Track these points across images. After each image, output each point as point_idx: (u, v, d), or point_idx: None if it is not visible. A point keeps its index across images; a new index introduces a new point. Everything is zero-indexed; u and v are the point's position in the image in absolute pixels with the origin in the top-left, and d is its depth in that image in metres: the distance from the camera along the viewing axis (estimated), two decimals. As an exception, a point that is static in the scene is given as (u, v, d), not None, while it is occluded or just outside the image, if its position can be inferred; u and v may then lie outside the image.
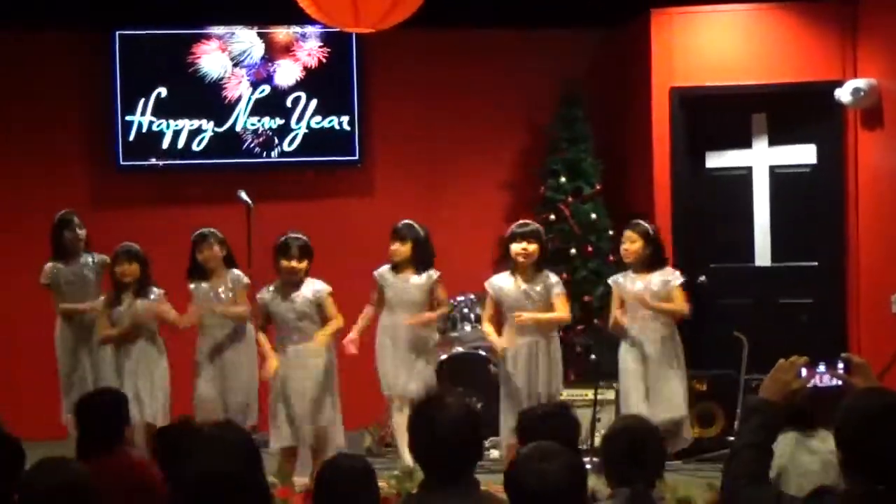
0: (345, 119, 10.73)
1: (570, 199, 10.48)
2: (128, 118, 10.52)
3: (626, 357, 8.39)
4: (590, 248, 10.42)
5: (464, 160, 11.01)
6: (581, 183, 10.56)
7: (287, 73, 10.68)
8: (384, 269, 8.47)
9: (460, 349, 9.58)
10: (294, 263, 8.07)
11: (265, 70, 10.67)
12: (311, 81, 10.67)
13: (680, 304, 8.33)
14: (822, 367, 3.62)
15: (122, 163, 10.57)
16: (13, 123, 10.57)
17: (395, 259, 8.43)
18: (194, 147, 10.62)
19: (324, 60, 10.69)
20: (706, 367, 9.47)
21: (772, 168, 10.24)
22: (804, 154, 10.19)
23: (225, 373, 8.42)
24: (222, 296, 8.47)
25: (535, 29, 10.84)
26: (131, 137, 10.53)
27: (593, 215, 10.46)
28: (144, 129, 10.54)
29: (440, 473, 3.74)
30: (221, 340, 8.44)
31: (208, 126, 10.63)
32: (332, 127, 10.73)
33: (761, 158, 10.27)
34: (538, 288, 8.24)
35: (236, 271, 8.53)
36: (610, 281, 8.59)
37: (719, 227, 10.32)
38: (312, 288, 8.15)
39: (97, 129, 10.62)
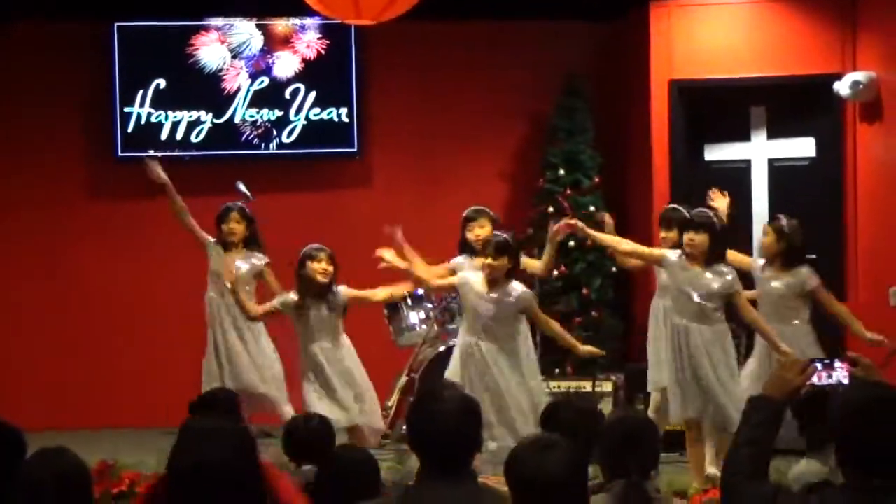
0: (343, 111, 10.73)
1: (568, 191, 10.48)
2: (126, 109, 10.52)
3: None
4: (588, 241, 10.41)
5: (463, 152, 11.01)
6: (580, 175, 10.56)
7: (286, 64, 10.68)
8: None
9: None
10: (490, 261, 7.65)
11: (264, 62, 10.67)
12: (310, 73, 10.67)
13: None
14: (819, 365, 3.61)
15: (120, 154, 10.56)
16: (12, 114, 10.56)
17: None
18: (193, 138, 10.63)
19: (322, 52, 10.68)
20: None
21: (771, 161, 10.25)
22: (803, 147, 10.20)
23: None
24: None
25: (535, 21, 10.84)
26: (130, 128, 10.53)
27: (592, 207, 10.46)
28: (143, 121, 10.55)
29: (438, 465, 3.74)
30: None
31: (207, 117, 10.63)
32: (331, 119, 10.73)
33: (760, 151, 10.27)
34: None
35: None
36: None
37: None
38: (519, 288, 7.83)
39: (96, 120, 10.62)
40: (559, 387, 9.18)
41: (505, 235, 7.79)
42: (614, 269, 10.21)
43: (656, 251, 8.12)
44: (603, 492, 4.15)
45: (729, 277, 7.79)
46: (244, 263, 8.68)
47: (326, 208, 10.66)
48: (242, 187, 9.39)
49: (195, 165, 10.62)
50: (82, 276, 10.58)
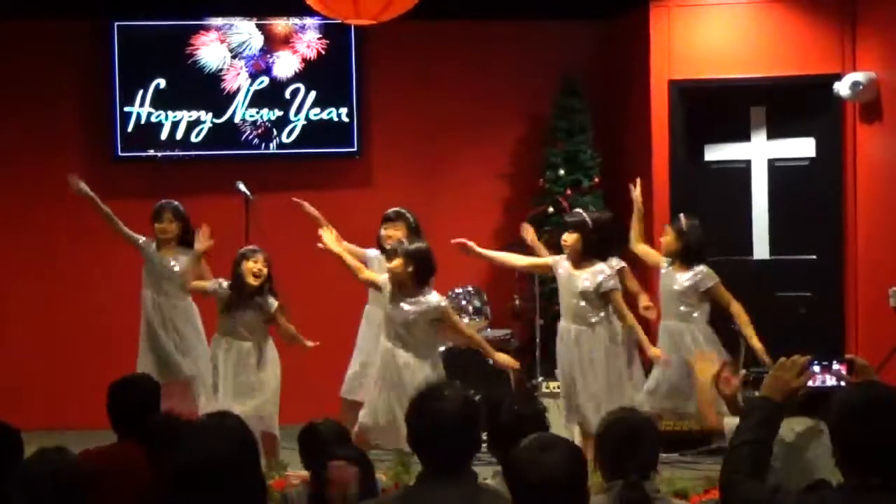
0: (343, 111, 10.73)
1: (568, 191, 10.48)
2: (126, 109, 10.52)
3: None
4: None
5: (462, 152, 11.01)
6: (580, 175, 10.57)
7: (286, 64, 10.67)
8: None
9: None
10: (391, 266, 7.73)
11: (264, 61, 10.67)
12: (310, 73, 10.67)
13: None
14: (816, 368, 3.62)
15: (119, 154, 10.56)
16: (11, 113, 10.56)
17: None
18: (193, 138, 10.62)
19: (322, 52, 10.68)
20: (704, 359, 9.47)
21: (770, 161, 10.25)
22: (803, 147, 10.20)
23: None
24: None
25: (534, 21, 10.84)
26: (130, 128, 10.53)
27: (592, 208, 10.45)
28: (143, 121, 10.55)
29: (438, 465, 3.74)
30: None
31: (207, 117, 10.63)
32: (331, 118, 10.73)
33: (760, 151, 10.27)
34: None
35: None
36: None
37: (718, 220, 10.31)
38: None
39: (95, 119, 10.61)
40: (559, 388, 9.17)
41: (417, 245, 7.69)
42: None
43: (547, 259, 8.23)
44: (602, 492, 4.15)
45: (600, 278, 7.91)
46: (179, 261, 8.68)
47: (326, 208, 10.61)
48: (242, 187, 9.38)
49: (195, 165, 10.63)
50: (81, 275, 10.57)
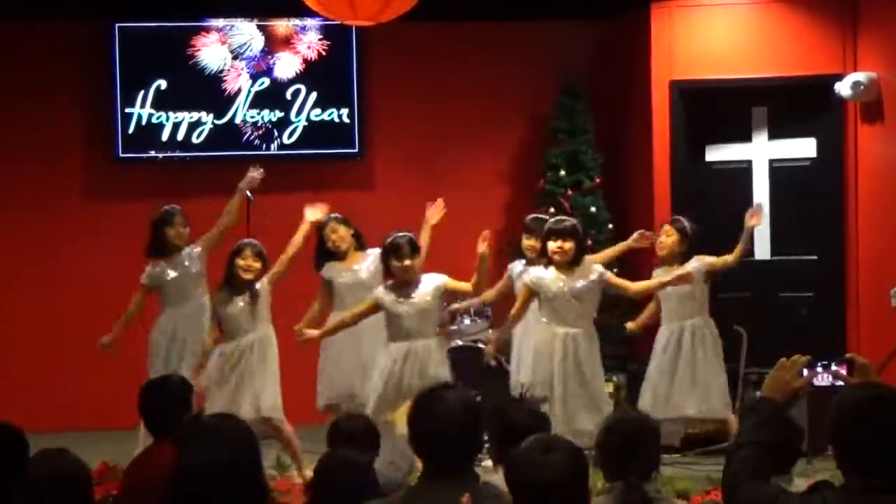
0: (344, 112, 10.74)
1: (569, 192, 10.48)
2: (127, 110, 10.53)
3: None
4: (589, 241, 10.41)
5: (463, 153, 11.01)
6: (581, 176, 10.56)
7: (287, 65, 10.68)
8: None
9: (459, 342, 9.58)
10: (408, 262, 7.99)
11: (265, 62, 10.67)
12: (311, 74, 10.68)
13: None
14: (819, 367, 3.61)
15: (120, 155, 10.57)
16: (12, 114, 10.57)
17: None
18: (194, 139, 10.63)
19: (323, 53, 10.69)
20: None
21: (771, 161, 10.25)
22: (804, 148, 10.20)
23: None
24: None
25: (535, 21, 10.84)
26: (131, 129, 10.54)
27: (593, 208, 10.46)
28: (144, 122, 10.56)
29: (439, 466, 3.74)
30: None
31: (208, 118, 10.64)
32: (332, 119, 10.74)
33: (761, 152, 10.28)
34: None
35: None
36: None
37: (719, 220, 10.31)
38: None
39: (96, 120, 10.62)
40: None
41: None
42: (615, 269, 10.21)
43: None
44: (603, 493, 4.15)
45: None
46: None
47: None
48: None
49: (196, 166, 10.63)
50: (82, 276, 10.57)
